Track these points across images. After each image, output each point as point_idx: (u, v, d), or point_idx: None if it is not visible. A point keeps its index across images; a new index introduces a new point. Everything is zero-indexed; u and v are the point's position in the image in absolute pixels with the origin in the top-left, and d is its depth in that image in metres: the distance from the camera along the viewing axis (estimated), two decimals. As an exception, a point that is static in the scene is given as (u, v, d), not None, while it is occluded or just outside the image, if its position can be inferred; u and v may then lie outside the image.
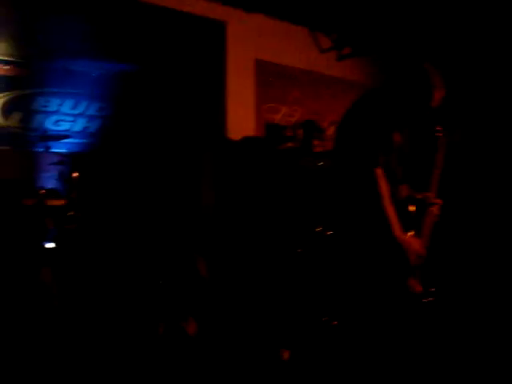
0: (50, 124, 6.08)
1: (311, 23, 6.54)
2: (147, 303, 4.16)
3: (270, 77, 6.26)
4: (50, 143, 5.43)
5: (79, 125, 6.31)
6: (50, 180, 5.62)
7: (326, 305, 4.13)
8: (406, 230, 2.86)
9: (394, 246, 2.79)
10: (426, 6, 5.56)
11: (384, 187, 2.94)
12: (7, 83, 5.97)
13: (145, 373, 2.94)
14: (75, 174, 5.34)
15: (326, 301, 4.19)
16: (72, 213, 5.19)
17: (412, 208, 3.31)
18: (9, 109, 5.94)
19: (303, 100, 6.49)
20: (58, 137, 5.59)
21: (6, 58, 6.00)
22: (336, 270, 4.53)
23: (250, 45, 6.10)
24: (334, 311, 3.95)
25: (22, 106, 5.99)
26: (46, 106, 6.09)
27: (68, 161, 5.53)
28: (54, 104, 6.13)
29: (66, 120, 6.23)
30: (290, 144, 5.21)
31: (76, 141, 6.14)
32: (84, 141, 6.28)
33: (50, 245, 5.03)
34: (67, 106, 6.21)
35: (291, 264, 4.74)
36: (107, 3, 5.60)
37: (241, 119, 5.77)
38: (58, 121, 6.17)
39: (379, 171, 2.95)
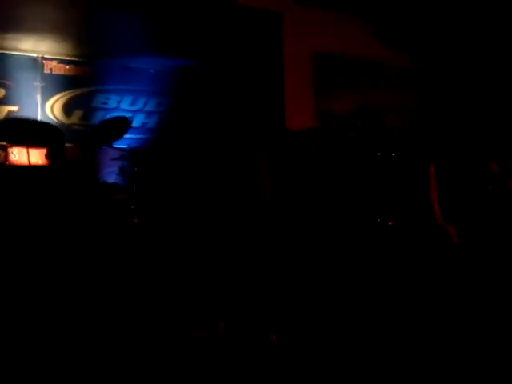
0: (109, 121, 6.21)
1: (364, 13, 6.46)
2: (208, 295, 4.17)
3: (325, 68, 6.20)
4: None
5: (138, 120, 6.42)
6: (111, 175, 5.73)
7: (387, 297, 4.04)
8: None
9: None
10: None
11: (433, 182, 3.49)
12: (68, 82, 6.14)
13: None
14: (135, 169, 5.43)
15: (388, 294, 4.10)
16: (133, 207, 5.27)
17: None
18: (70, 107, 6.10)
19: (359, 89, 6.40)
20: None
21: (67, 58, 6.17)
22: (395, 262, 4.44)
23: (306, 36, 6.06)
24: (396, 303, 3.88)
25: (83, 104, 6.14)
26: (105, 103, 6.22)
27: (128, 156, 5.63)
28: (113, 101, 6.26)
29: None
30: (349, 134, 5.13)
31: (135, 136, 6.24)
32: (143, 136, 6.38)
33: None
34: (126, 103, 6.33)
35: (353, 256, 4.66)
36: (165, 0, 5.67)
37: (299, 110, 5.75)
38: (117, 117, 6.30)
39: (432, 168, 3.46)
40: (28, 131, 5.32)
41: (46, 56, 6.03)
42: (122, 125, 5.64)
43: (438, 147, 3.75)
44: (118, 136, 5.57)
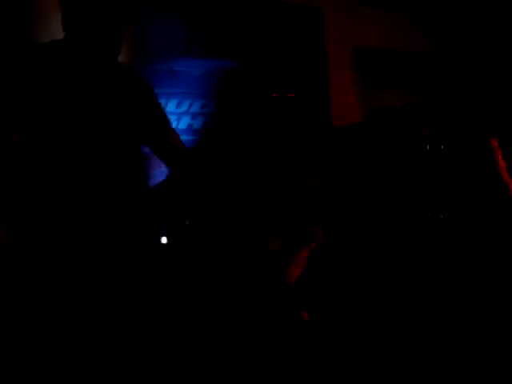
0: (156, 124, 6.29)
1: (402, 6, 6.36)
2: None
3: (369, 63, 6.15)
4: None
5: (184, 123, 6.51)
6: (161, 177, 5.82)
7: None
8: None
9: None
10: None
11: (500, 158, 3.00)
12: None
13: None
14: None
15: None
16: (185, 208, 5.35)
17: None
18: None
19: (404, 83, 6.32)
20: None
21: (113, 64, 6.29)
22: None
23: (348, 31, 6.03)
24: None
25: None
26: (152, 107, 6.32)
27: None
28: (159, 104, 6.36)
29: (172, 119, 6.37)
30: (397, 128, 5.10)
31: (182, 138, 6.32)
32: (189, 138, 6.47)
33: (163, 240, 5.23)
34: (172, 106, 6.41)
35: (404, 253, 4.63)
36: (206, 2, 5.71)
37: (345, 106, 5.72)
38: (164, 120, 6.39)
39: (494, 143, 3.00)
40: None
41: (92, 64, 6.17)
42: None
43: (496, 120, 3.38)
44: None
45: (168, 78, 6.29)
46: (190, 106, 6.50)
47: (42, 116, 1.75)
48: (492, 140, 3.13)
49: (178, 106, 6.43)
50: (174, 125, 6.64)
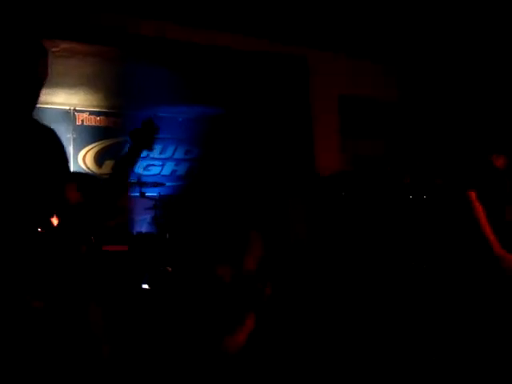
0: (140, 169, 6.26)
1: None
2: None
3: (353, 112, 6.20)
4: (145, 188, 5.56)
5: (168, 168, 6.51)
6: (143, 223, 5.80)
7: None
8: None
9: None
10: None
11: (479, 208, 3.19)
12: (99, 133, 6.28)
13: None
14: (169, 218, 5.49)
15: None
16: (166, 255, 5.31)
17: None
18: (102, 157, 6.22)
19: (386, 133, 6.38)
20: (154, 184, 5.68)
21: (98, 110, 6.33)
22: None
23: (332, 80, 6.07)
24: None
25: (114, 154, 6.23)
26: (135, 153, 6.33)
27: (159, 204, 5.68)
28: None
29: (156, 164, 6.44)
30: (380, 177, 5.16)
31: (166, 184, 6.33)
32: (173, 183, 6.45)
33: (145, 286, 5.16)
34: (156, 151, 6.39)
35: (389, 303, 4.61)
36: (191, 52, 5.77)
37: (327, 154, 5.74)
38: (148, 165, 6.38)
39: (473, 194, 3.20)
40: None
41: (77, 108, 6.20)
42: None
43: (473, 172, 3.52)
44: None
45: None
46: (175, 151, 6.53)
47: None
48: (469, 192, 3.34)
49: (162, 151, 6.43)
50: (157, 170, 6.72)
